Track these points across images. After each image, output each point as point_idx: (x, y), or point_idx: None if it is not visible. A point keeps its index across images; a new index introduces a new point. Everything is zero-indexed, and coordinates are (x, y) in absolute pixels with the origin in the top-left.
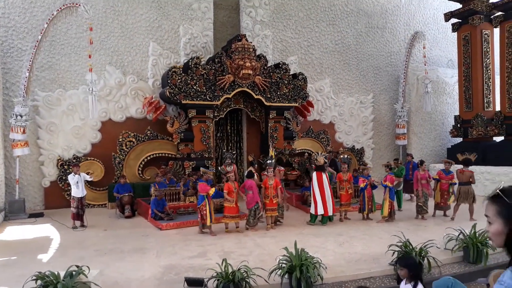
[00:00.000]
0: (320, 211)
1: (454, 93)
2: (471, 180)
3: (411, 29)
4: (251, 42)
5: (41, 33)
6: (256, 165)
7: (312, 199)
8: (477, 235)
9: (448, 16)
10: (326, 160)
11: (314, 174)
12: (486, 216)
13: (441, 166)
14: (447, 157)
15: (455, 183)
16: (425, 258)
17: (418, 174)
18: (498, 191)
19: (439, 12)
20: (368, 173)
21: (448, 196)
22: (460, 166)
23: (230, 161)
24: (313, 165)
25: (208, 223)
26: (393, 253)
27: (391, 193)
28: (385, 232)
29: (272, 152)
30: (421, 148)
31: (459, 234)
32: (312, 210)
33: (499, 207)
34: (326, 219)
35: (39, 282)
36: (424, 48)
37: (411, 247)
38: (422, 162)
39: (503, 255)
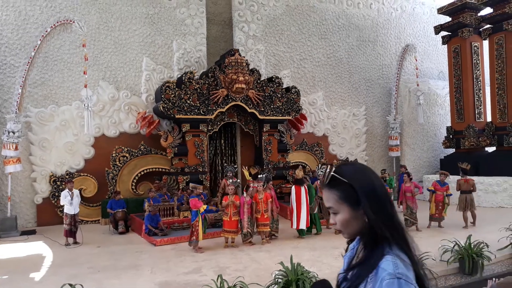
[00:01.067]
0: (295, 225)
1: (446, 104)
2: (472, 188)
3: (402, 42)
4: (244, 57)
5: (34, 49)
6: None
7: (290, 213)
8: (472, 246)
9: (438, 29)
10: (305, 175)
11: (293, 188)
12: (329, 208)
13: (435, 177)
14: (440, 168)
15: (450, 194)
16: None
17: (403, 186)
18: (332, 173)
19: (429, 25)
20: None
21: (443, 208)
22: (458, 177)
23: (231, 174)
24: (292, 179)
25: (200, 239)
26: None
27: None
28: None
29: (246, 172)
30: (414, 160)
31: (454, 246)
32: (294, 225)
33: (339, 192)
34: (304, 232)
35: None
36: (416, 60)
37: None
38: (407, 174)
39: (499, 266)
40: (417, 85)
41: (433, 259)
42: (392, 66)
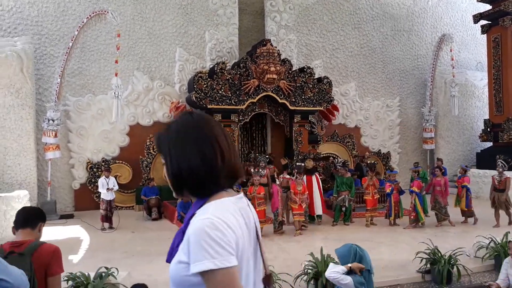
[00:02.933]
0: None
1: (484, 96)
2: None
3: (438, 32)
4: (276, 47)
5: (72, 40)
6: (289, 169)
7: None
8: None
9: (477, 17)
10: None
11: (304, 178)
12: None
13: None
14: (477, 162)
15: (464, 186)
16: (455, 266)
17: (434, 180)
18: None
19: (468, 14)
20: (395, 178)
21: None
22: (494, 172)
23: (264, 164)
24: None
25: None
26: (421, 260)
27: (419, 199)
28: (413, 238)
29: (284, 161)
30: (449, 153)
31: (489, 242)
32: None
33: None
34: (313, 218)
35: (70, 282)
36: (451, 50)
37: (439, 254)
38: (439, 168)
39: None
40: (453, 76)
41: (467, 255)
42: (427, 57)
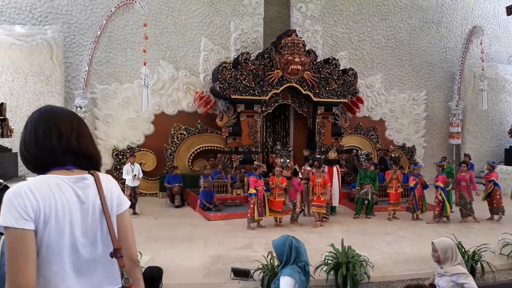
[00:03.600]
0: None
1: None
2: None
3: (469, 24)
4: (301, 38)
5: (100, 29)
6: (310, 161)
7: None
8: None
9: (510, 9)
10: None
11: (325, 168)
12: None
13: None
14: (505, 158)
15: (491, 180)
16: (479, 262)
17: (459, 175)
18: None
19: (501, 5)
20: (419, 172)
21: (501, 198)
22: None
23: (286, 157)
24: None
25: (255, 217)
26: None
27: (444, 194)
28: (436, 233)
29: (306, 153)
30: (476, 148)
31: None
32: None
33: None
34: (334, 209)
35: None
36: (481, 43)
37: (463, 250)
38: (462, 162)
39: None
40: (482, 69)
41: (492, 251)
42: (456, 49)
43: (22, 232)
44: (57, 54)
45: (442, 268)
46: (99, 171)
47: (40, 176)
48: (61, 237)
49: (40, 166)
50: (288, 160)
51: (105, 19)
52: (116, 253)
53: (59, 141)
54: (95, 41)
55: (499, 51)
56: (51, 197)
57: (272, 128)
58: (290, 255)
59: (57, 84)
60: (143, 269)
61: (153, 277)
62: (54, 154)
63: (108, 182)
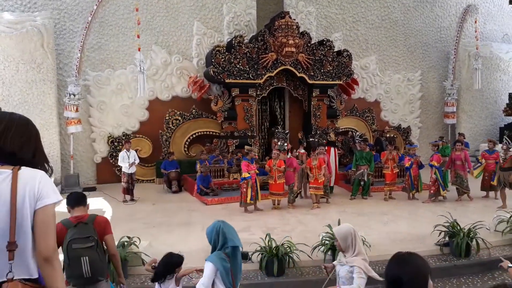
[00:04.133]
0: None
1: (509, 69)
2: None
3: (463, 3)
4: (295, 19)
5: (91, 14)
6: (304, 143)
7: None
8: None
9: None
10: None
11: (325, 150)
12: None
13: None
14: (500, 136)
15: (498, 162)
16: (474, 240)
17: (453, 154)
18: None
19: None
20: (414, 152)
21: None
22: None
23: (284, 140)
24: (325, 140)
25: (247, 200)
26: (440, 233)
27: (439, 173)
28: (431, 212)
29: (300, 135)
30: (471, 127)
31: (510, 217)
32: None
33: None
34: (332, 189)
35: None
36: (476, 22)
37: (458, 227)
38: (456, 141)
39: None
40: (477, 48)
41: (487, 228)
42: (451, 29)
43: None
44: (48, 41)
45: (345, 256)
46: (36, 167)
47: None
48: None
49: None
50: (286, 144)
51: (96, 5)
52: (9, 246)
53: None
54: (86, 27)
55: (493, 30)
56: None
57: (268, 111)
58: (217, 241)
59: (49, 71)
60: (162, 256)
61: (173, 262)
62: None
63: (30, 177)
